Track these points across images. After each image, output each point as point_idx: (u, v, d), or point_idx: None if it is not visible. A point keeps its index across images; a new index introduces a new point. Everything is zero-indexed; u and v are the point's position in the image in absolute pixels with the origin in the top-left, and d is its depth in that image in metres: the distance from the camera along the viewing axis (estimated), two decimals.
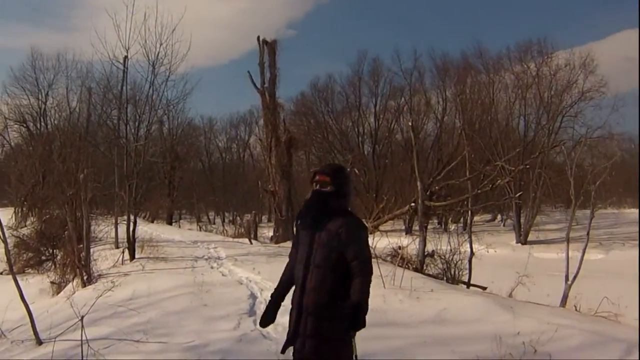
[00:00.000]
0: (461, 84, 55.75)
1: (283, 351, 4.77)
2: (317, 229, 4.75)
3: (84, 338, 7.11)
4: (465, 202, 24.15)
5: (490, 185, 23.70)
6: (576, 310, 11.51)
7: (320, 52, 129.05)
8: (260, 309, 10.67)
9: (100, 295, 10.99)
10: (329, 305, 4.65)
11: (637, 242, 31.85)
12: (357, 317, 4.51)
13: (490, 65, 54.14)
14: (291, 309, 4.87)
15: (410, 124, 40.94)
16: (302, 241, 4.86)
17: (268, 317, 5.05)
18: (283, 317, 9.36)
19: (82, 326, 7.15)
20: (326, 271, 4.67)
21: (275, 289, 5.13)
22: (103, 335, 8.78)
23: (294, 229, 5.14)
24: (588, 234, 13.31)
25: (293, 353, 4.70)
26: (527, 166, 33.72)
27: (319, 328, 4.61)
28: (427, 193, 21.50)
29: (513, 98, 50.63)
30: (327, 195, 4.82)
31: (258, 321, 5.25)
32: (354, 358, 4.70)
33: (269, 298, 5.14)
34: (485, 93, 52.19)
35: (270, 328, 9.04)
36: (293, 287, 4.98)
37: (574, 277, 12.69)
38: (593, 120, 44.45)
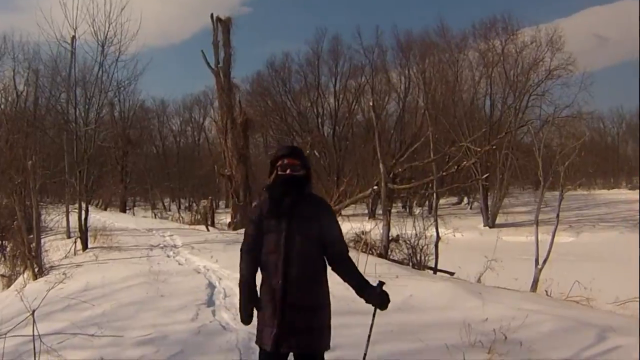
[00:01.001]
0: (424, 62, 55.91)
1: (273, 349, 4.62)
2: (293, 217, 4.62)
3: (35, 333, 6.99)
4: (430, 185, 24.14)
5: (456, 167, 23.74)
6: (547, 295, 11.63)
7: (277, 29, 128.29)
8: (219, 298, 10.70)
9: (52, 288, 10.84)
10: (314, 295, 4.64)
11: (638, 224, 32.38)
12: (386, 292, 4.68)
13: (454, 43, 54.33)
14: (264, 302, 4.66)
15: (371, 103, 40.98)
16: (273, 230, 4.65)
17: (251, 313, 4.76)
18: None
19: (34, 321, 7.01)
20: (308, 261, 4.61)
21: (247, 281, 4.79)
22: (56, 330, 8.61)
23: (255, 217, 4.81)
24: (558, 216, 13.43)
25: (280, 347, 4.58)
26: (494, 147, 33.75)
27: (308, 319, 4.56)
28: (390, 175, 21.42)
29: (478, 77, 51.03)
30: (301, 179, 4.72)
31: (239, 318, 4.91)
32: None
33: (242, 291, 4.81)
34: (449, 71, 52.35)
35: (229, 319, 9.05)
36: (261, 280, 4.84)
37: (544, 261, 12.83)
38: (561, 99, 45.16)
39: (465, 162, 24.12)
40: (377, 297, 4.65)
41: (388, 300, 4.68)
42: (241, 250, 4.87)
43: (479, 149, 25.96)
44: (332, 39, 65.54)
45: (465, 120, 44.86)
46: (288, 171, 4.68)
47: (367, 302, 4.71)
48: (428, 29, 64.06)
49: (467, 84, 52.13)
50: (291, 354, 4.63)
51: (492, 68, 48.25)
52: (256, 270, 4.78)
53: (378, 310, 4.76)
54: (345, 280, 4.75)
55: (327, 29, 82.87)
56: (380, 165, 19.01)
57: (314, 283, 4.65)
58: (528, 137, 43.15)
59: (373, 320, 4.82)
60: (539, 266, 12.84)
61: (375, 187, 22.74)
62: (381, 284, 4.72)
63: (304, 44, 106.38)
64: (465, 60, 52.32)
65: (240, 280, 4.81)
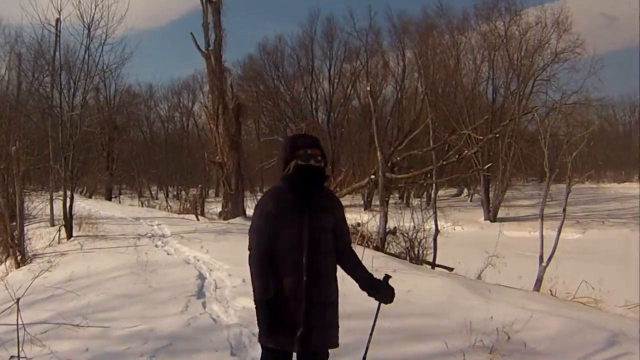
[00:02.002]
0: (422, 44, 55.57)
1: (299, 349, 4.41)
2: (314, 210, 4.53)
3: (19, 322, 6.97)
4: (429, 175, 24.17)
5: (456, 156, 23.76)
6: (552, 294, 11.55)
7: (269, 11, 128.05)
8: (210, 290, 10.80)
9: (37, 277, 10.89)
10: (330, 291, 4.61)
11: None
12: (392, 287, 4.76)
13: (454, 25, 53.80)
14: (277, 300, 4.40)
15: (368, 88, 40.91)
16: (293, 223, 4.49)
17: (279, 330, 4.42)
18: (235, 301, 9.39)
19: (18, 309, 7.00)
20: (331, 255, 4.61)
21: (265, 292, 4.41)
22: (40, 320, 8.65)
23: (270, 210, 4.56)
24: (564, 210, 13.28)
25: (308, 347, 4.44)
26: (496, 135, 33.83)
27: (328, 316, 4.53)
28: (388, 164, 21.46)
29: (480, 60, 50.41)
30: (323, 171, 4.64)
31: (259, 337, 4.61)
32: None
33: (263, 309, 4.41)
34: (449, 55, 51.94)
35: (221, 312, 9.08)
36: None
37: (549, 258, 12.72)
38: (568, 84, 44.51)
39: (466, 152, 24.16)
40: (382, 291, 4.67)
41: (393, 295, 4.70)
42: (251, 250, 4.58)
43: (480, 138, 26.03)
44: (326, 20, 65.72)
45: (466, 107, 44.58)
46: (312, 162, 4.55)
47: (370, 295, 4.70)
48: (426, 9, 63.61)
49: (467, 68, 51.65)
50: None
51: (494, 51, 47.59)
52: (270, 272, 4.48)
53: (382, 305, 4.78)
54: (349, 274, 4.75)
55: (320, 10, 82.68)
56: (378, 154, 18.94)
57: (331, 278, 4.63)
58: (533, 125, 42.94)
59: (376, 315, 4.82)
60: (544, 264, 12.71)
61: (373, 177, 22.72)
62: (387, 277, 4.75)
63: (297, 26, 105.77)
64: (466, 43, 51.90)
65: (256, 298, 4.46)
